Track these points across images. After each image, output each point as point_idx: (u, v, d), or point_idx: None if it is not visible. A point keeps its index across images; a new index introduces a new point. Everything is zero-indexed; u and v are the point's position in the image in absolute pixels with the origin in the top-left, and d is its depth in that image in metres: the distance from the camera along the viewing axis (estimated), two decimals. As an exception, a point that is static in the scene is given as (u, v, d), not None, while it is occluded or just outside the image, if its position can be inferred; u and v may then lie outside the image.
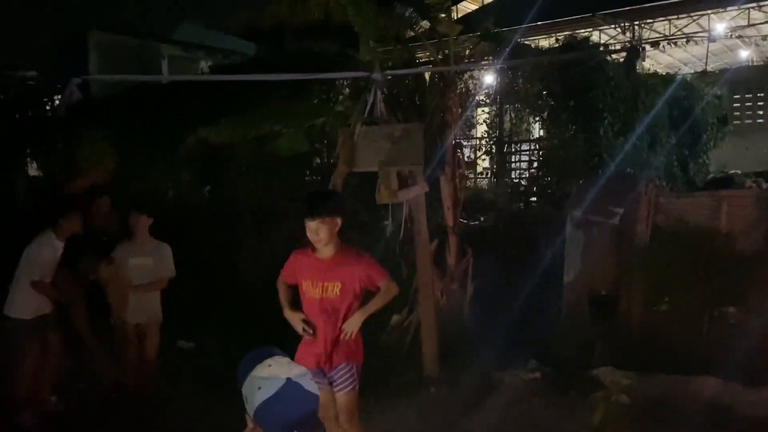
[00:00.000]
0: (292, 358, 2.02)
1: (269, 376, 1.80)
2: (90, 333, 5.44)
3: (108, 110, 8.40)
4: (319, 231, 3.36)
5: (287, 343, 2.15)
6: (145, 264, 4.94)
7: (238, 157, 7.91)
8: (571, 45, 7.46)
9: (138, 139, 8.23)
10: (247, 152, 7.68)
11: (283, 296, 3.68)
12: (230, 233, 8.01)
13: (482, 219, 7.25)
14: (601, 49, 7.38)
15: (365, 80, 6.39)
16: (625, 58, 7.05)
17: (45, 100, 13.42)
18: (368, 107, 4.16)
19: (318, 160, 8.34)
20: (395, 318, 5.76)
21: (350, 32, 7.96)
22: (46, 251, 4.77)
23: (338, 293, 3.44)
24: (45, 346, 4.92)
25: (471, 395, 5.04)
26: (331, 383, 3.53)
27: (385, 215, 5.53)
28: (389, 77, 4.22)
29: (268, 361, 1.86)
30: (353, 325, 3.46)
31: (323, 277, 3.46)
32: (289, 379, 1.79)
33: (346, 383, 3.53)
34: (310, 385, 1.83)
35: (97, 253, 5.14)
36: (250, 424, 1.86)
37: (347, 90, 7.95)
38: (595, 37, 14.55)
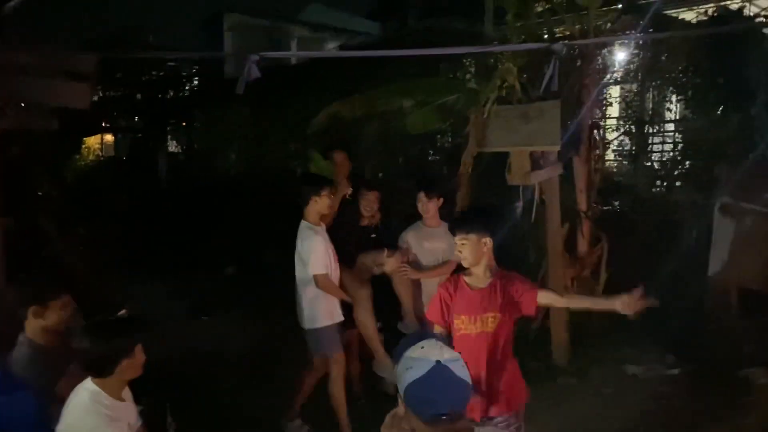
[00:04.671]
0: None
1: (420, 356, 1.75)
2: (376, 336, 4.52)
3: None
4: (462, 249, 3.00)
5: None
6: (438, 248, 4.55)
7: (364, 136, 7.99)
8: (723, 17, 6.79)
9: (271, 116, 8.52)
10: (373, 130, 7.74)
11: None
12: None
13: (616, 203, 6.83)
14: (757, 21, 6.63)
15: (494, 57, 6.20)
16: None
17: (183, 81, 14.32)
18: (546, 81, 3.87)
19: (441, 139, 8.24)
20: (520, 303, 5.57)
21: (473, 6, 7.77)
22: (313, 241, 4.24)
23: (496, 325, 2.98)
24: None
25: (603, 388, 4.81)
26: None
27: (513, 197, 5.33)
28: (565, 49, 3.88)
29: (422, 342, 1.81)
30: None
31: (479, 309, 2.99)
32: (438, 362, 1.72)
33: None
34: (462, 371, 1.75)
35: (371, 247, 4.68)
36: (401, 407, 1.82)
37: (473, 68, 7.76)
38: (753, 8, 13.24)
